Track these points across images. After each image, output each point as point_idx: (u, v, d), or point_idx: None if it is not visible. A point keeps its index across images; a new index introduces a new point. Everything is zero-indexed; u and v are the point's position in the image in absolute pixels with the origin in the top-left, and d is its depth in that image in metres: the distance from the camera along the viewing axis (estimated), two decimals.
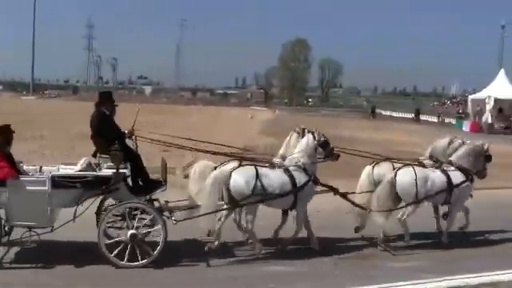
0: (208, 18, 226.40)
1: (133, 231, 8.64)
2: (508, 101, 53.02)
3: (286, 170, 9.53)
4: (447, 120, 68.84)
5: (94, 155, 9.50)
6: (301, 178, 9.51)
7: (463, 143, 10.95)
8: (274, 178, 9.34)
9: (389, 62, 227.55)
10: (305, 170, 9.61)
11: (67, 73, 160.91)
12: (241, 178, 9.18)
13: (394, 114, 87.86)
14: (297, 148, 9.91)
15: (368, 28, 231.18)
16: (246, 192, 9.12)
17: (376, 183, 10.47)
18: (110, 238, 9.04)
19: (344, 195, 10.25)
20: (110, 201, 9.38)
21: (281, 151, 10.56)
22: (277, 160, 10.19)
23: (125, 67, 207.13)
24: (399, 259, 9.36)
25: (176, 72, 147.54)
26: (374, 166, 10.92)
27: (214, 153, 10.63)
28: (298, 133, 10.39)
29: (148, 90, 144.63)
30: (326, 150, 9.93)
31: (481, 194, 11.48)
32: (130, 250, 8.55)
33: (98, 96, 9.98)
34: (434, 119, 73.47)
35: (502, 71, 57.01)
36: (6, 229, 8.80)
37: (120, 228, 9.06)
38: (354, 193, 10.56)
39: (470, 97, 61.02)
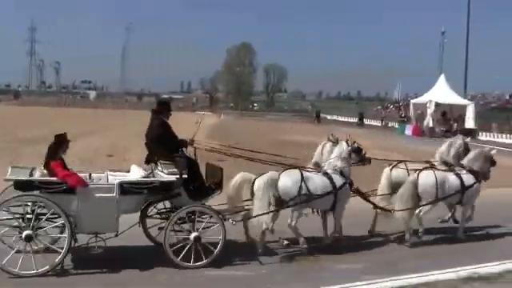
0: (154, 21, 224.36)
1: (196, 233, 9.01)
2: (448, 105, 54.32)
3: (326, 174, 10.33)
4: (390, 124, 69.97)
5: (147, 162, 9.84)
6: (339, 181, 10.25)
7: (464, 143, 12.08)
8: (316, 181, 10.10)
9: (333, 67, 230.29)
10: (341, 173, 10.42)
11: (8, 77, 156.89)
12: (288, 180, 9.88)
13: (339, 119, 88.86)
14: (333, 154, 10.72)
15: (312, 32, 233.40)
16: (293, 193, 9.76)
17: (393, 185, 11.38)
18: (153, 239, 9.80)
19: (368, 200, 11.13)
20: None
21: (314, 159, 11.33)
22: (311, 167, 10.91)
23: (68, 71, 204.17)
24: (346, 261, 9.44)
25: (121, 76, 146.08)
26: (391, 169, 11.71)
27: (265, 162, 11.03)
28: (332, 141, 11.23)
29: (92, 94, 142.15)
30: (359, 155, 10.85)
31: None
32: (186, 251, 8.92)
33: (157, 104, 10.45)
34: (378, 123, 74.62)
35: (443, 76, 58.41)
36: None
37: (179, 231, 9.21)
38: (374, 195, 11.47)
39: (412, 101, 62.23)
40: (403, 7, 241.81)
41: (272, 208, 9.78)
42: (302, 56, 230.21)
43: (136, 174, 9.54)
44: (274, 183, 9.84)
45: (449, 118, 54.19)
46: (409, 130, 54.95)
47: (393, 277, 8.55)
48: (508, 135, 49.54)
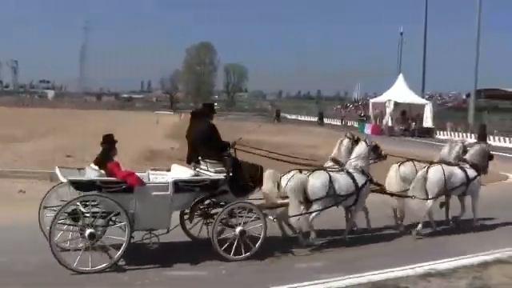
0: (114, 20, 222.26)
1: (242, 228, 9.46)
2: (406, 104, 55.02)
3: (349, 173, 10.87)
4: (350, 123, 70.63)
5: (189, 161, 10.33)
6: (361, 180, 10.86)
7: (463, 146, 12.89)
8: (342, 182, 10.64)
9: (293, 67, 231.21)
10: (363, 172, 11.05)
11: None
12: (317, 182, 10.42)
13: (299, 118, 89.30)
14: (353, 154, 11.29)
15: (273, 32, 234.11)
16: (321, 194, 10.34)
17: (402, 179, 12.13)
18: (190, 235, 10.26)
19: (390, 194, 11.93)
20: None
21: (332, 155, 11.93)
22: (329, 163, 11.64)
23: (26, 70, 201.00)
24: (307, 259, 9.47)
25: (80, 76, 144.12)
26: (399, 166, 12.37)
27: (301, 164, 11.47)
28: (349, 138, 11.90)
29: (51, 94, 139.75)
30: (376, 152, 11.58)
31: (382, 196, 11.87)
32: (234, 244, 9.35)
33: (203, 107, 11.10)
34: (338, 122, 75.24)
35: (401, 76, 59.20)
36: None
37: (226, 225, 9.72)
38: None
39: (371, 100, 62.93)
40: (362, 7, 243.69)
41: (303, 207, 10.36)
42: (262, 55, 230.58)
43: (181, 172, 9.91)
44: (303, 185, 10.35)
45: (407, 117, 54.94)
46: (368, 129, 55.41)
47: (352, 274, 8.58)
48: (464, 134, 50.39)
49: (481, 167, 12.58)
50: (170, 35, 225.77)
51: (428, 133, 52.70)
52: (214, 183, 9.55)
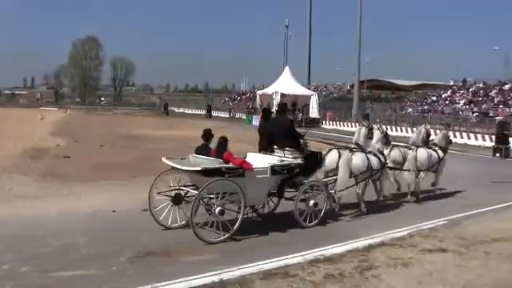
0: None
1: (314, 201, 11.43)
2: (293, 96, 56.13)
3: (374, 154, 13.49)
4: (238, 115, 71.13)
5: (264, 149, 12.19)
6: (382, 158, 13.66)
7: (425, 130, 16.19)
8: (373, 159, 13.25)
9: (181, 59, 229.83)
10: (381, 153, 13.90)
11: None
12: (360, 159, 12.90)
13: (187, 111, 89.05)
14: (373, 139, 14.03)
15: (159, 25, 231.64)
16: (362, 168, 12.84)
17: (392, 161, 14.96)
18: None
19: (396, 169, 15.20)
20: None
21: (354, 139, 14.12)
22: (353, 145, 13.80)
23: None
24: (196, 252, 9.41)
25: None
26: (390, 151, 15.08)
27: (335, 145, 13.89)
28: (365, 126, 14.25)
29: None
30: (386, 138, 14.58)
31: None
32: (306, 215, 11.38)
33: (279, 106, 13.92)
34: (226, 115, 75.61)
35: (287, 68, 60.30)
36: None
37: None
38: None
39: (259, 92, 63.69)
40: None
41: (350, 179, 12.76)
42: (149, 49, 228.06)
43: (260, 159, 11.69)
44: (350, 161, 12.62)
45: (294, 108, 56.05)
46: (256, 121, 56.06)
47: (243, 265, 8.64)
48: (349, 123, 52.06)
49: (445, 149, 16.12)
50: (55, 29, 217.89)
51: (314, 122, 54.07)
52: (296, 167, 11.50)
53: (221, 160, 10.55)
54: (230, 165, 10.45)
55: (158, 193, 10.81)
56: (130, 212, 12.07)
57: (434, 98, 59.12)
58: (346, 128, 51.16)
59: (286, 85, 56.33)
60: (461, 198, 15.50)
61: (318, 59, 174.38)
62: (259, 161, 11.44)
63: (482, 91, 54.46)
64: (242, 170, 10.50)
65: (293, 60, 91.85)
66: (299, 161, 11.69)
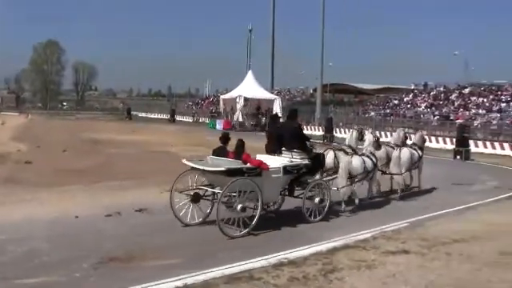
0: None
1: (320, 197, 12.57)
2: (256, 100, 56.24)
3: (368, 156, 14.60)
4: (202, 119, 71.07)
5: (273, 151, 13.04)
6: (374, 161, 14.72)
7: (404, 133, 18.06)
8: (368, 162, 14.38)
9: (144, 64, 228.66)
10: (373, 155, 14.92)
11: None
12: (358, 162, 14.07)
13: (150, 116, 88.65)
14: (366, 142, 15.14)
15: (122, 30, 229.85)
16: (359, 170, 14.01)
17: (379, 159, 15.64)
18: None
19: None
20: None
21: (347, 142, 15.33)
22: (347, 149, 14.89)
23: None
24: (160, 257, 9.38)
25: None
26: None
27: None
28: (357, 131, 15.57)
29: None
30: (377, 143, 15.67)
31: None
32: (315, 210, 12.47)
33: (289, 112, 14.65)
34: (189, 119, 75.44)
35: (250, 72, 60.32)
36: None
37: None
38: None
39: (222, 97, 63.60)
40: (214, 2, 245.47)
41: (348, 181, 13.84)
42: (112, 53, 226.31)
43: (270, 160, 12.40)
44: (349, 164, 13.86)
45: (258, 112, 56.23)
46: (220, 125, 56.12)
47: (207, 269, 8.60)
48: (312, 127, 52.36)
49: (422, 148, 17.76)
50: (16, 33, 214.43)
51: None
52: (305, 167, 12.59)
53: (240, 161, 11.39)
54: (249, 165, 11.36)
55: (180, 192, 11.59)
56: (93, 217, 11.96)
57: (396, 102, 59.70)
58: (309, 132, 51.38)
59: (249, 89, 56.34)
60: (423, 200, 15.74)
61: (281, 63, 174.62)
62: (269, 162, 12.16)
63: (442, 95, 55.20)
64: (259, 169, 11.45)
65: (256, 64, 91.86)
66: (306, 161, 12.73)
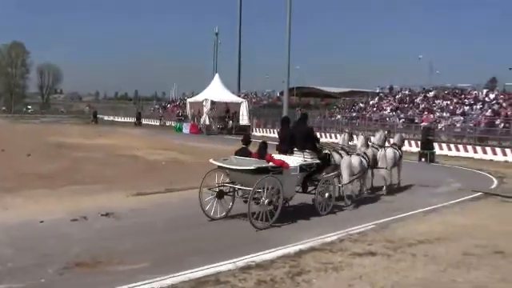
0: None
1: (330, 193, 14.19)
2: (223, 103, 56.24)
3: (362, 156, 16.26)
4: (168, 123, 70.77)
5: (284, 151, 14.22)
6: (367, 160, 16.40)
7: (384, 134, 19.28)
8: (364, 161, 16.08)
9: (110, 67, 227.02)
10: (366, 155, 16.55)
11: None
12: (356, 161, 15.76)
13: (117, 119, 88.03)
14: (358, 144, 17.03)
15: (87, 32, 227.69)
16: (359, 168, 15.70)
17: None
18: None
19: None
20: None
21: (341, 144, 16.85)
22: (340, 150, 16.35)
23: None
24: (126, 261, 9.31)
25: None
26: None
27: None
28: (349, 133, 17.45)
29: None
30: (367, 143, 17.36)
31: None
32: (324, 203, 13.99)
33: (301, 115, 16.99)
34: (156, 122, 75.11)
35: (217, 76, 60.30)
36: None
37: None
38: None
39: (189, 100, 63.35)
40: (181, 7, 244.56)
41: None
42: (77, 56, 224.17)
43: (286, 158, 13.51)
44: (350, 163, 15.43)
45: (225, 115, 56.25)
46: (187, 129, 56.02)
47: (173, 273, 8.59)
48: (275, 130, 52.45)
49: (401, 148, 19.51)
50: None
51: (245, 130, 54.18)
52: (316, 165, 14.14)
53: (264, 160, 12.58)
54: (273, 164, 12.54)
55: (209, 189, 12.70)
56: (58, 222, 11.81)
57: (362, 105, 60.16)
58: (275, 135, 51.49)
59: (216, 92, 56.26)
60: (389, 202, 15.92)
61: (248, 66, 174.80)
62: (287, 161, 13.33)
63: (407, 98, 55.78)
64: (281, 168, 12.69)
65: (223, 67, 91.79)
66: (316, 161, 14.20)
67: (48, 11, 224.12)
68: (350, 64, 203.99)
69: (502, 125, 38.98)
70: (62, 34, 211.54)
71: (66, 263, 9.03)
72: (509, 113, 40.11)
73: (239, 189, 12.76)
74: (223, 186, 12.86)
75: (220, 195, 12.75)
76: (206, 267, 8.95)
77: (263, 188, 11.96)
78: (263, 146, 13.16)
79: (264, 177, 12.07)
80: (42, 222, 11.76)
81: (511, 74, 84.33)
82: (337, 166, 15.45)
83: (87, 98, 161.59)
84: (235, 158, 13.05)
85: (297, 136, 14.36)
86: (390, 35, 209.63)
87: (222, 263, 9.18)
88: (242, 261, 9.32)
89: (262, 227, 11.83)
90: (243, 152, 13.20)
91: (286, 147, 14.29)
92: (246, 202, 12.28)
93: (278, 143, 14.73)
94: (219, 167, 12.82)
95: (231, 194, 13.07)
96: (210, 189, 12.63)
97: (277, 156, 13.49)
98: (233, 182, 12.84)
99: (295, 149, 14.24)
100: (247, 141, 13.49)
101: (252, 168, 12.15)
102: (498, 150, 34.59)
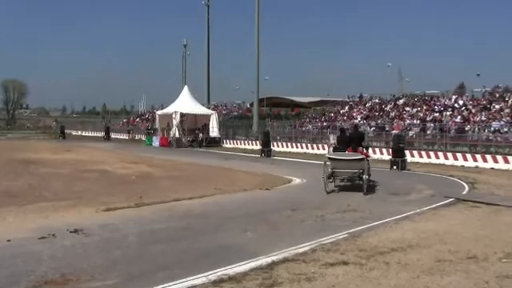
0: None
1: (368, 176, 19.81)
2: (193, 115, 56.11)
3: None
4: (138, 136, 70.40)
5: (343, 150, 20.81)
6: None
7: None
8: None
9: (76, 81, 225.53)
10: None
11: None
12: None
13: (85, 134, 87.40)
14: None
15: (53, 45, 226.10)
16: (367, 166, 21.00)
17: None
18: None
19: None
20: None
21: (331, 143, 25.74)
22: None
23: None
24: (94, 278, 9.02)
25: None
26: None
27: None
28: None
29: None
30: None
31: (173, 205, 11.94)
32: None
33: (355, 125, 26.23)
34: (125, 136, 74.65)
35: (186, 88, 60.24)
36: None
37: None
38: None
39: (158, 113, 63.10)
40: (146, 16, 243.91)
41: None
42: (43, 71, 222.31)
43: (346, 154, 20.37)
44: None
45: (194, 128, 56.11)
46: (157, 142, 55.73)
47: None
48: (249, 142, 52.47)
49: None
50: None
51: (215, 142, 54.17)
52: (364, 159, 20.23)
53: (358, 153, 20.10)
54: (362, 156, 19.98)
55: (327, 178, 19.78)
56: (26, 240, 11.54)
57: (332, 115, 60.43)
58: (246, 146, 51.52)
59: (185, 104, 56.12)
60: (361, 211, 15.86)
61: (217, 78, 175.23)
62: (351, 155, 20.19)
63: (378, 106, 56.22)
64: (366, 158, 20.13)
65: (192, 79, 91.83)
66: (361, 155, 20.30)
67: (11, 24, 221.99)
68: (319, 73, 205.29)
69: (472, 130, 39.42)
70: (27, 48, 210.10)
71: (35, 282, 8.81)
72: (477, 118, 40.62)
73: (345, 172, 19.78)
74: (333, 171, 19.73)
75: (330, 177, 19.80)
76: (178, 281, 8.81)
77: (365, 169, 19.50)
78: (355, 147, 20.71)
79: (366, 162, 19.73)
80: (8, 240, 11.49)
81: (479, 80, 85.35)
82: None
83: (54, 113, 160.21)
84: (338, 154, 20.39)
85: (353, 139, 21.37)
86: (359, 43, 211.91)
87: (194, 277, 9.05)
88: (214, 274, 9.20)
89: (366, 193, 19.11)
90: (340, 149, 21.03)
91: (345, 146, 20.97)
92: (342, 180, 20.57)
93: (337, 144, 22.31)
94: (330, 159, 20.16)
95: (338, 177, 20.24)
96: (323, 177, 19.77)
97: (333, 154, 20.98)
98: (336, 169, 19.70)
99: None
100: (344, 143, 21.42)
101: (358, 158, 19.67)
102: (468, 155, 35.00)
